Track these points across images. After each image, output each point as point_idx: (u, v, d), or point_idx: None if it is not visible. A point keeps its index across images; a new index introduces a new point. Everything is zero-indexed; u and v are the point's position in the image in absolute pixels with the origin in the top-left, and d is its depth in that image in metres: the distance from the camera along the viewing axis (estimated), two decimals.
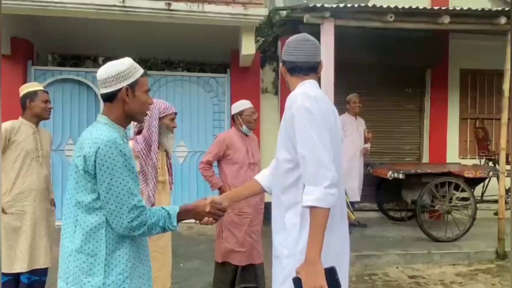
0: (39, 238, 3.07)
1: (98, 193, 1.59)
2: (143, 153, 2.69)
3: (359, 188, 5.58)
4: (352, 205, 5.61)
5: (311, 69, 1.81)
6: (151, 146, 2.74)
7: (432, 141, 6.61)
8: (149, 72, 6.42)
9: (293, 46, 1.82)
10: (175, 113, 2.90)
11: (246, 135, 3.50)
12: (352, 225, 5.57)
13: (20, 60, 5.74)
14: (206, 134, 6.30)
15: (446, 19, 4.55)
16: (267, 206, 5.91)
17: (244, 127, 3.45)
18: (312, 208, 1.50)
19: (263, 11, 5.00)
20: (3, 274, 2.93)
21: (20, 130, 3.00)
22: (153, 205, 2.66)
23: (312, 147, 1.55)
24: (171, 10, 4.80)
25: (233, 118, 3.54)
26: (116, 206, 1.57)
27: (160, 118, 2.78)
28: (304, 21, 4.45)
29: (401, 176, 5.03)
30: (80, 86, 6.05)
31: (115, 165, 1.57)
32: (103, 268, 1.61)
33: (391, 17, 4.43)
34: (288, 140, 1.68)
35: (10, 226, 2.95)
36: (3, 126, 2.94)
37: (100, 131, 1.60)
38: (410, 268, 4.53)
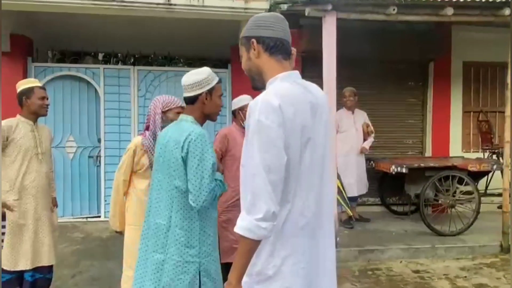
0: (42, 235, 3.05)
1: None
2: (151, 147, 2.71)
3: (361, 182, 5.52)
4: (354, 200, 5.58)
5: (289, 55, 1.55)
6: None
7: (435, 135, 6.56)
8: (149, 67, 6.38)
9: (272, 20, 1.52)
10: (182, 107, 2.87)
11: None
12: (355, 219, 5.55)
13: (20, 56, 5.70)
14: (207, 129, 6.18)
15: (450, 11, 4.50)
16: None
17: (245, 122, 3.42)
18: (240, 235, 1.38)
19: (263, 5, 4.95)
20: (7, 272, 2.93)
21: (18, 128, 2.97)
22: None
23: (253, 173, 1.36)
24: (171, 4, 4.75)
25: (234, 113, 3.50)
26: (199, 188, 1.95)
27: (164, 112, 2.78)
28: (306, 14, 4.40)
29: (404, 170, 5.00)
30: (81, 83, 6.02)
31: (203, 154, 1.97)
32: (198, 241, 2.03)
33: (394, 9, 4.38)
34: None
35: (15, 223, 2.94)
36: None
37: (192, 127, 2.04)
38: (414, 262, 4.51)
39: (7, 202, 2.91)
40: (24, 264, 2.94)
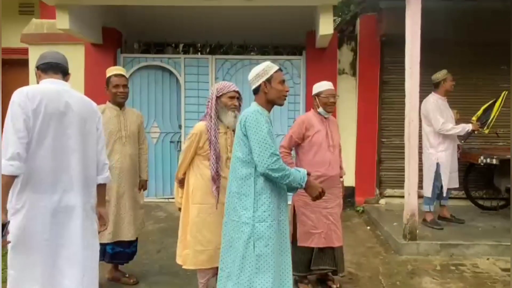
0: (123, 212, 3.34)
1: (248, 149, 2.28)
2: (214, 130, 2.90)
3: (457, 175, 5.04)
4: (445, 198, 5.13)
5: (62, 71, 2.31)
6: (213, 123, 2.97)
7: None
8: (226, 56, 6.54)
9: (45, 53, 2.33)
10: (236, 92, 2.97)
11: (325, 117, 3.43)
12: (445, 219, 5.12)
13: (111, 48, 6.18)
14: (281, 117, 6.31)
15: None
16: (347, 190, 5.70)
17: (320, 108, 3.38)
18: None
19: None
20: None
21: (105, 113, 3.26)
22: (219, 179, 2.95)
23: (6, 132, 2.04)
24: None
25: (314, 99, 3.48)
26: (259, 154, 2.23)
27: (218, 97, 2.94)
28: None
29: (494, 161, 4.62)
30: (164, 72, 6.38)
31: (256, 126, 2.26)
32: (252, 205, 2.29)
33: None
34: None
35: None
36: None
37: (251, 109, 2.36)
38: (503, 260, 4.17)
39: None
40: (106, 238, 3.23)
